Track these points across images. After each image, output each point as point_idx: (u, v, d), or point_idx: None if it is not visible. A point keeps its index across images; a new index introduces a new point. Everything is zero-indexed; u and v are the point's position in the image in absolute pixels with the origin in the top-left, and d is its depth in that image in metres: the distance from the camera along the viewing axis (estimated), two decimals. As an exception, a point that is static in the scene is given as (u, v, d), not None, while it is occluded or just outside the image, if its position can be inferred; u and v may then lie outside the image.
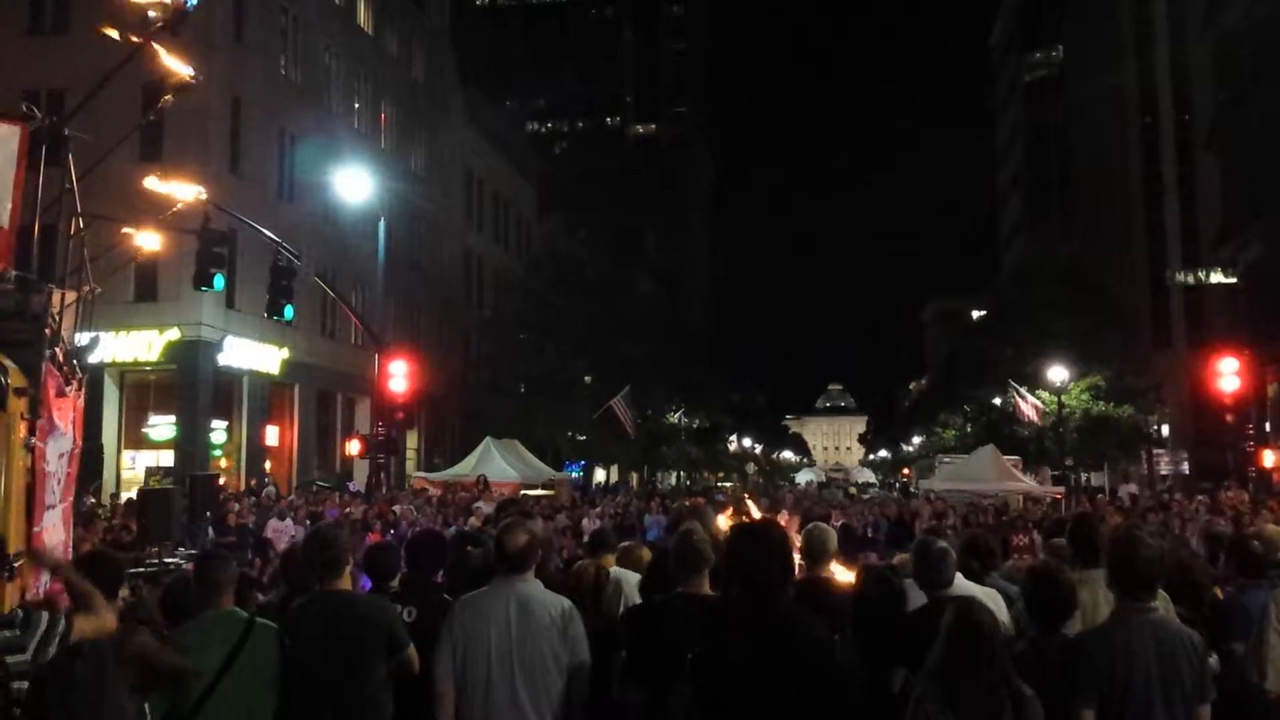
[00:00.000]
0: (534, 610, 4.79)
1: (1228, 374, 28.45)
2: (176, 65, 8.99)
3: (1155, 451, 49.44)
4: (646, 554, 7.07)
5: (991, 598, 5.54)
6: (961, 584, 5.45)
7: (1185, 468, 47.04)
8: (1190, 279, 44.55)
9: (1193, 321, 54.79)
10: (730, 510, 17.27)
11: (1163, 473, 46.96)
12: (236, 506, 19.27)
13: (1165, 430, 51.60)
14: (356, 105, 40.55)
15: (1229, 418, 29.89)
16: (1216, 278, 37.56)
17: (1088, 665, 4.32)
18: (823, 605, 5.55)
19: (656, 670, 4.34)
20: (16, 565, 5.29)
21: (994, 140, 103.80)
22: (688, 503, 15.33)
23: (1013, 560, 10.92)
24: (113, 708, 4.08)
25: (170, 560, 10.42)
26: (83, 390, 8.05)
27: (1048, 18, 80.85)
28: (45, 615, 4.01)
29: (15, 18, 30.36)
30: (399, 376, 24.32)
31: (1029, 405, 38.59)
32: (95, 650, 4.27)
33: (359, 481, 31.94)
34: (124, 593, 5.76)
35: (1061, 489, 32.86)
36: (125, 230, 14.92)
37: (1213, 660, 4.94)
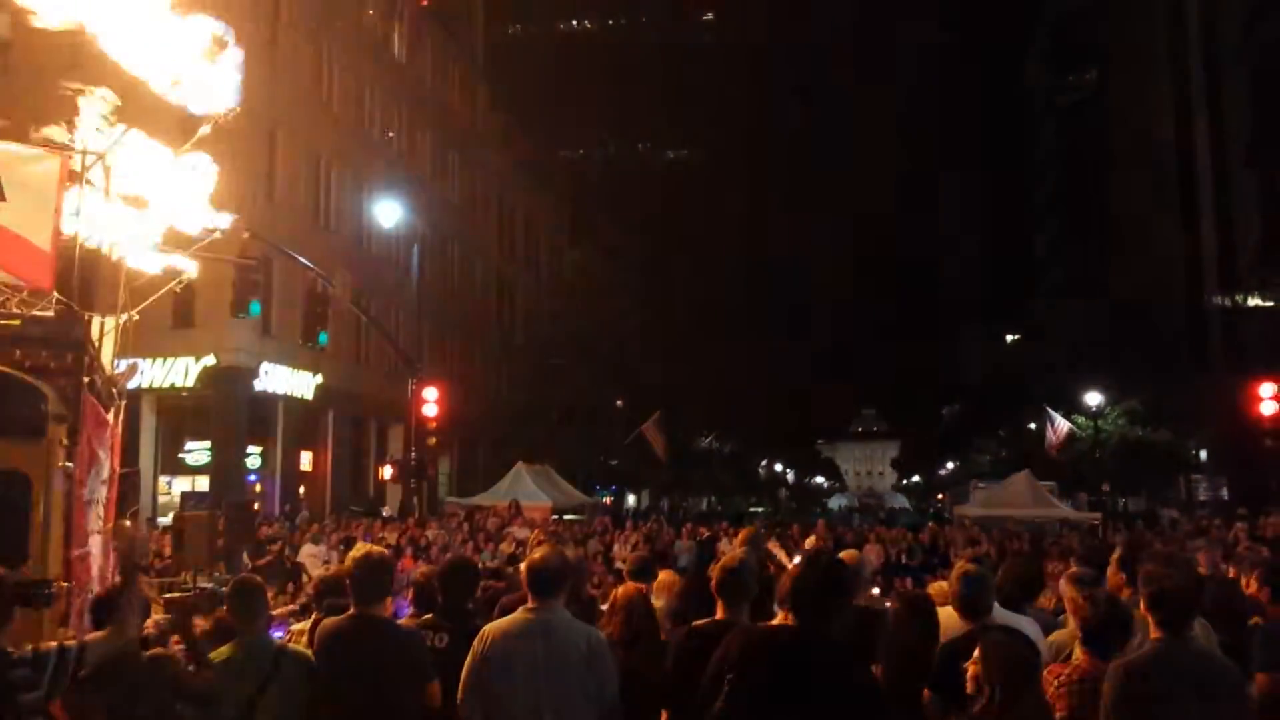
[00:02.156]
0: (562, 639, 4.75)
1: (1267, 398, 28.06)
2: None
3: (1194, 476, 48.73)
4: (675, 581, 7.04)
5: (1031, 626, 5.47)
6: (1000, 612, 5.39)
7: (1225, 493, 46.37)
8: (1229, 301, 44.03)
9: (1231, 344, 54.14)
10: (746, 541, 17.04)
11: (1201, 498, 46.28)
12: (270, 532, 19.39)
13: (1204, 455, 50.92)
14: (392, 133, 40.94)
15: (1269, 442, 29.46)
16: (1255, 300, 37.11)
17: (1127, 691, 4.25)
18: (858, 633, 5.50)
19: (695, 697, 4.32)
20: (54, 592, 5.33)
21: (1029, 161, 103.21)
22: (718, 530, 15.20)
23: (1049, 587, 10.77)
24: None
25: (204, 585, 10.50)
26: (121, 416, 8.16)
27: (1083, 38, 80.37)
28: (54, 649, 4.12)
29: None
30: (432, 402, 24.40)
31: (1056, 432, 38.07)
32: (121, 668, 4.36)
33: (392, 507, 32.10)
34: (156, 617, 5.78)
35: (1099, 515, 32.45)
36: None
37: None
